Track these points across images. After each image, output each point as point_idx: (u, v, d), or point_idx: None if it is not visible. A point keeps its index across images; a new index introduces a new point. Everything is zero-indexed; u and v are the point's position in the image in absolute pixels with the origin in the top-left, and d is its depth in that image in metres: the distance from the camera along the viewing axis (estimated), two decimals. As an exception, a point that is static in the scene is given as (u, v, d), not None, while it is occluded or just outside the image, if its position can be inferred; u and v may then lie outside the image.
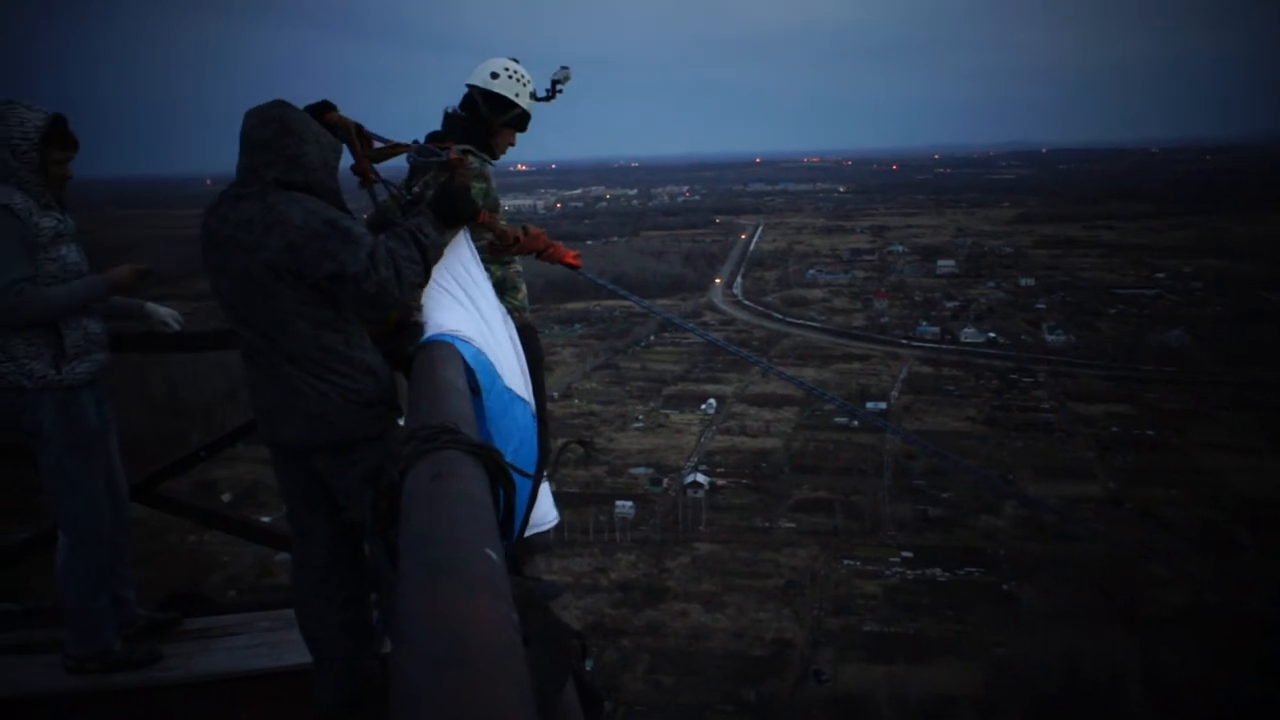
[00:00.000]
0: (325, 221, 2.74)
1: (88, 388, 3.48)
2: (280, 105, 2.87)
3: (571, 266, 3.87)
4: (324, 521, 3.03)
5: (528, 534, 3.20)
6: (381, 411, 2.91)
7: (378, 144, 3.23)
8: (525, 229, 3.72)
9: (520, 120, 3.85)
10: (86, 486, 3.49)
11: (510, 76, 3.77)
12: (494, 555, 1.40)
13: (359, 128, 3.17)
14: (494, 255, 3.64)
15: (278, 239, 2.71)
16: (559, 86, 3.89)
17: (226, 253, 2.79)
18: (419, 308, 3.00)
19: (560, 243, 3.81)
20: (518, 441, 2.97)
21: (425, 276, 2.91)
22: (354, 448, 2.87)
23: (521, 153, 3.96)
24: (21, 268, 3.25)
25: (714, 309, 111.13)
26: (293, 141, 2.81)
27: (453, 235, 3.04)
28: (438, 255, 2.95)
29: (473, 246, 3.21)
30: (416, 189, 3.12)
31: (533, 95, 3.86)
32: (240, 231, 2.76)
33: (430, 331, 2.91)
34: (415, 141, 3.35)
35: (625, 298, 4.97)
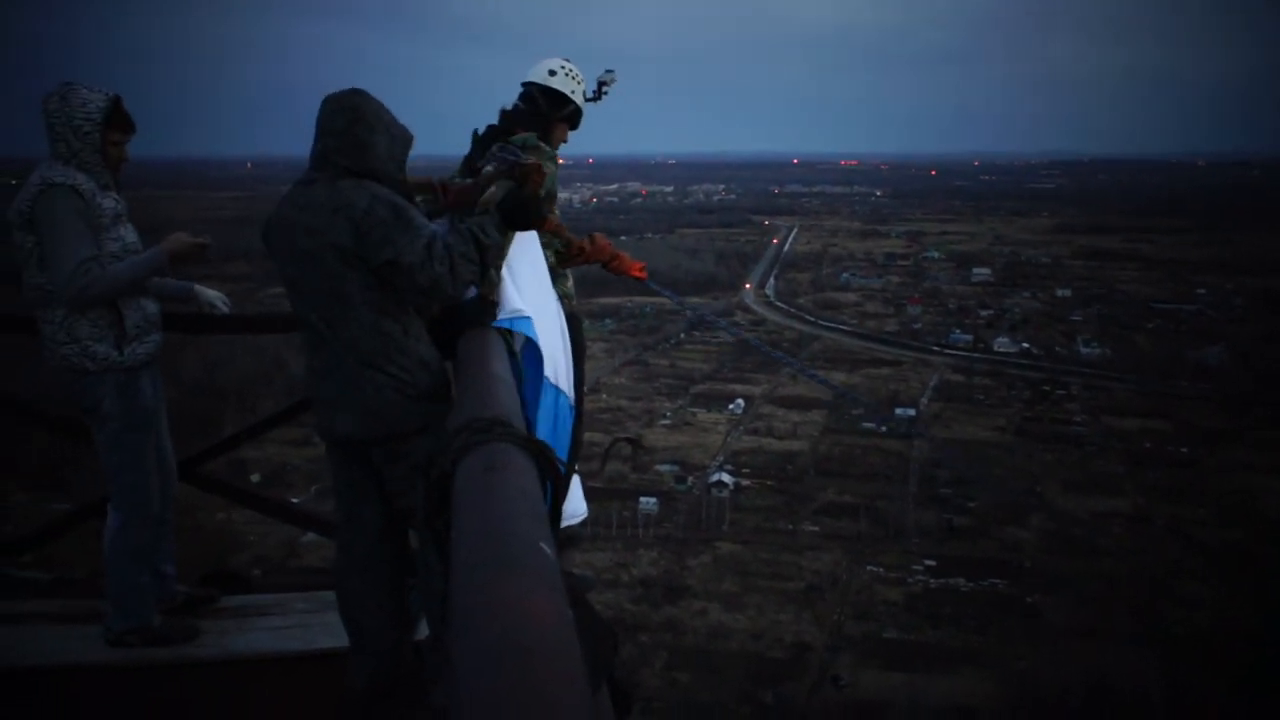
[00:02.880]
0: (390, 207, 2.78)
1: (145, 368, 3.54)
2: (356, 93, 2.90)
3: (638, 279, 3.98)
4: (374, 510, 3.05)
5: (561, 525, 3.23)
6: (434, 405, 2.93)
7: (453, 183, 3.34)
8: (592, 238, 3.81)
9: (575, 116, 3.98)
10: (141, 465, 3.55)
11: (567, 74, 3.90)
12: (548, 550, 1.42)
13: (442, 184, 3.27)
14: (559, 265, 3.71)
15: (344, 222, 2.75)
16: (605, 88, 4.04)
17: (296, 237, 2.83)
18: (496, 285, 3.06)
19: (626, 253, 3.88)
20: (550, 431, 3.01)
21: (480, 277, 2.94)
22: (407, 440, 2.90)
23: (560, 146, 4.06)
24: (89, 248, 3.30)
25: (745, 309, 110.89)
26: (363, 130, 2.85)
27: (512, 239, 3.08)
28: (497, 257, 2.98)
29: (534, 235, 3.26)
30: (489, 168, 3.15)
31: (585, 95, 3.99)
32: (308, 215, 2.80)
33: (502, 314, 2.98)
34: (497, 145, 3.42)
35: (674, 300, 5.09)
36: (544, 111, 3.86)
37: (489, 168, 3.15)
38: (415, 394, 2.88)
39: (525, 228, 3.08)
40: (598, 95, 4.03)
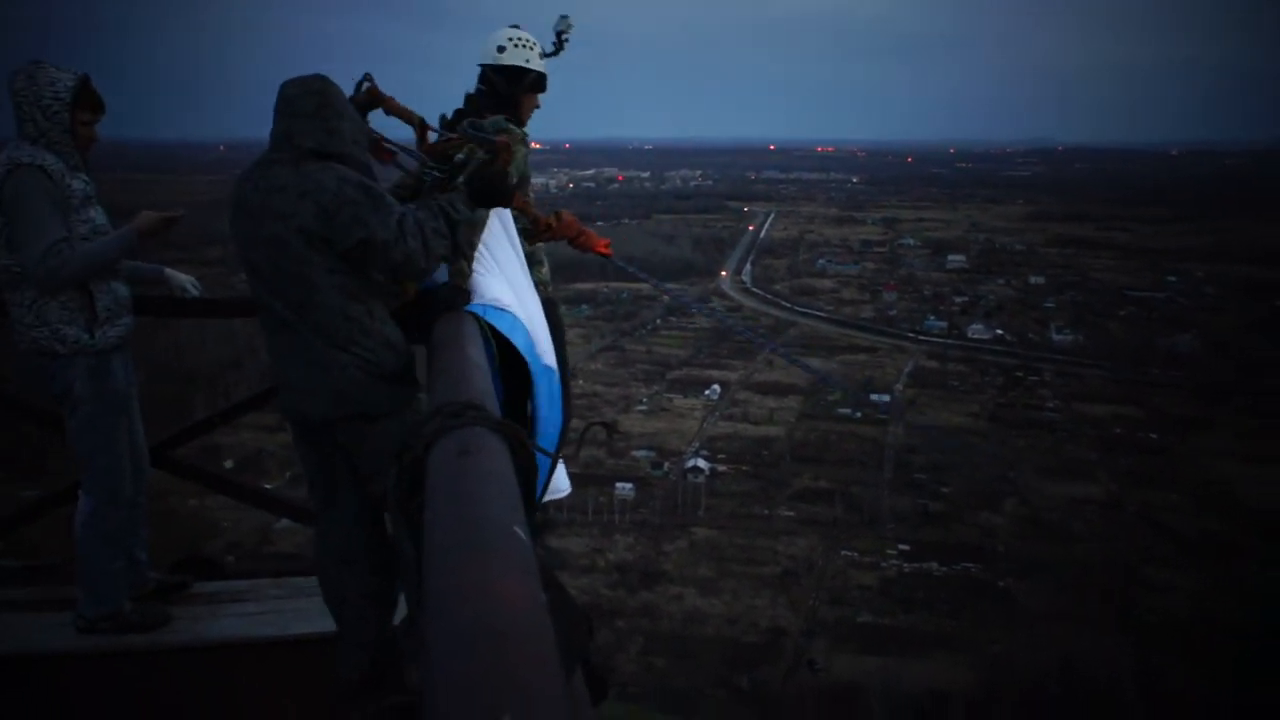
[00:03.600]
0: (359, 187, 2.77)
1: (117, 351, 3.51)
2: (322, 79, 2.91)
3: (603, 255, 3.92)
4: (348, 492, 3.04)
5: (545, 499, 3.25)
6: (400, 386, 2.93)
7: (432, 135, 3.30)
8: (558, 215, 3.74)
9: (539, 83, 3.84)
10: (112, 449, 3.51)
11: (516, 45, 3.76)
12: (521, 533, 1.41)
13: (422, 121, 3.25)
14: (525, 241, 3.67)
15: (311, 205, 2.73)
16: (564, 37, 3.86)
17: (259, 220, 2.80)
18: (468, 274, 3.06)
19: (592, 230, 3.83)
20: (546, 409, 3.06)
21: (452, 251, 2.94)
22: (375, 421, 2.89)
23: (534, 131, 3.96)
24: (59, 229, 3.26)
25: (722, 295, 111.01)
26: (332, 115, 2.85)
27: (484, 215, 3.08)
28: (469, 233, 2.99)
29: (510, 219, 3.26)
30: (461, 156, 3.14)
31: (542, 54, 3.84)
32: (273, 198, 2.77)
33: (475, 300, 2.99)
34: (468, 120, 3.39)
35: (652, 283, 5.02)
36: (504, 91, 3.76)
37: (461, 155, 3.15)
38: (381, 374, 2.87)
39: (493, 204, 3.09)
40: (559, 47, 3.86)
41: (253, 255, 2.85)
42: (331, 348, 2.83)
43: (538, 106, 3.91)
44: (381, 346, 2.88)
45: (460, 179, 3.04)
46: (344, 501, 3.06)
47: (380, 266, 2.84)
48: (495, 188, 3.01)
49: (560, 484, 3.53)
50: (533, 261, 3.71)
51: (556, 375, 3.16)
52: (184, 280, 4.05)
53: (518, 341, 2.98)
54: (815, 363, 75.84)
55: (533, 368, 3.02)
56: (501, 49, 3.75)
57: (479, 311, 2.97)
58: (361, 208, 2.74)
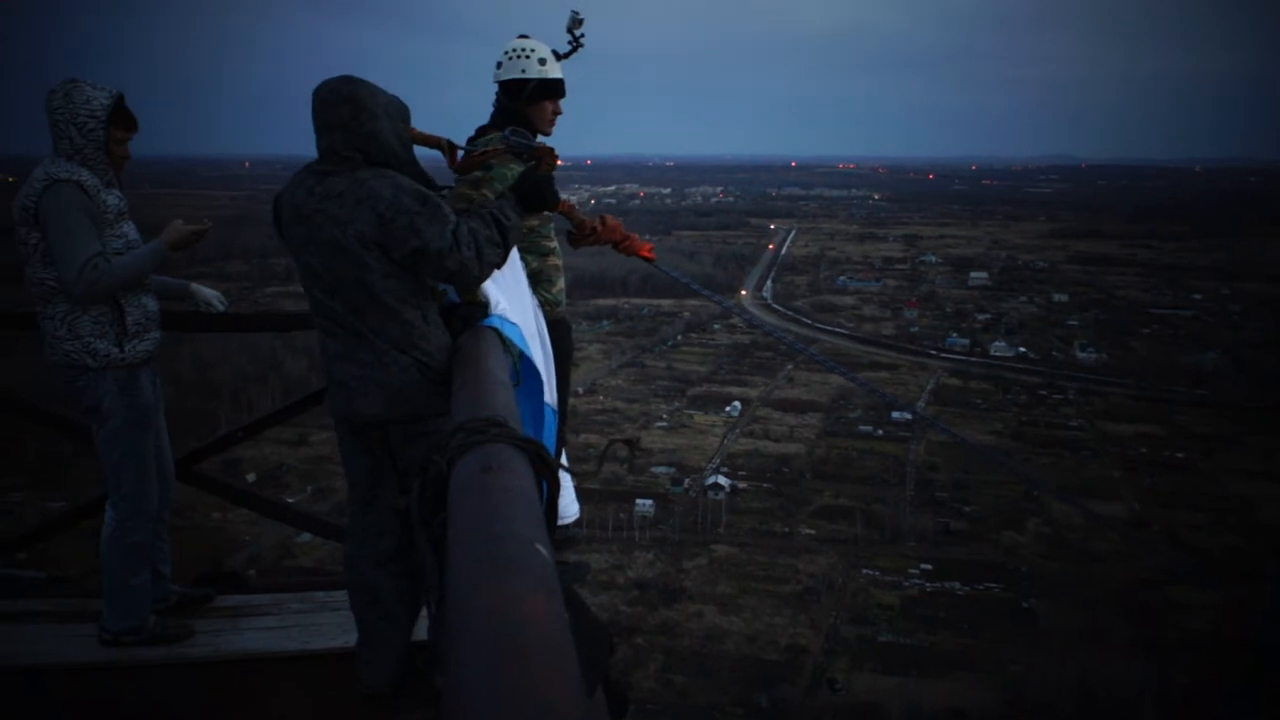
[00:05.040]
0: (415, 195, 2.80)
1: (145, 365, 3.54)
2: (349, 82, 2.90)
3: (647, 259, 3.90)
4: (390, 493, 3.07)
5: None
6: (450, 390, 2.95)
7: (460, 151, 3.31)
8: (603, 219, 3.72)
9: (539, 90, 3.70)
10: (140, 463, 3.54)
11: (510, 57, 3.69)
12: (544, 551, 1.42)
13: (450, 143, 3.23)
14: (571, 244, 3.67)
15: (368, 212, 2.76)
16: (578, 33, 3.73)
17: (315, 225, 2.83)
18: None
19: (636, 235, 3.80)
20: (534, 432, 3.01)
21: (504, 259, 2.96)
22: (425, 422, 2.93)
23: (555, 147, 3.89)
24: (96, 243, 3.31)
25: (743, 312, 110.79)
26: (366, 118, 2.86)
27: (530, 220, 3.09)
28: (517, 239, 3.02)
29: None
30: (495, 160, 3.17)
31: (555, 55, 3.73)
32: (330, 205, 2.81)
33: (493, 313, 3.00)
34: (511, 128, 3.41)
35: (695, 289, 5.03)
36: (509, 105, 3.71)
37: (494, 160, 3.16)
38: (436, 377, 2.91)
39: (541, 209, 3.12)
40: (575, 45, 3.74)
41: (310, 259, 2.89)
42: (392, 349, 2.87)
43: (558, 113, 3.78)
44: (437, 349, 2.93)
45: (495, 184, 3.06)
46: (384, 502, 3.08)
47: (434, 274, 2.88)
48: (543, 193, 3.04)
49: (569, 509, 3.52)
50: (543, 279, 3.69)
51: (549, 400, 3.14)
52: (210, 295, 4.08)
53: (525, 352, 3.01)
54: (836, 380, 75.59)
55: (523, 385, 3.01)
56: (499, 65, 3.71)
57: (496, 324, 2.99)
58: (417, 217, 2.77)
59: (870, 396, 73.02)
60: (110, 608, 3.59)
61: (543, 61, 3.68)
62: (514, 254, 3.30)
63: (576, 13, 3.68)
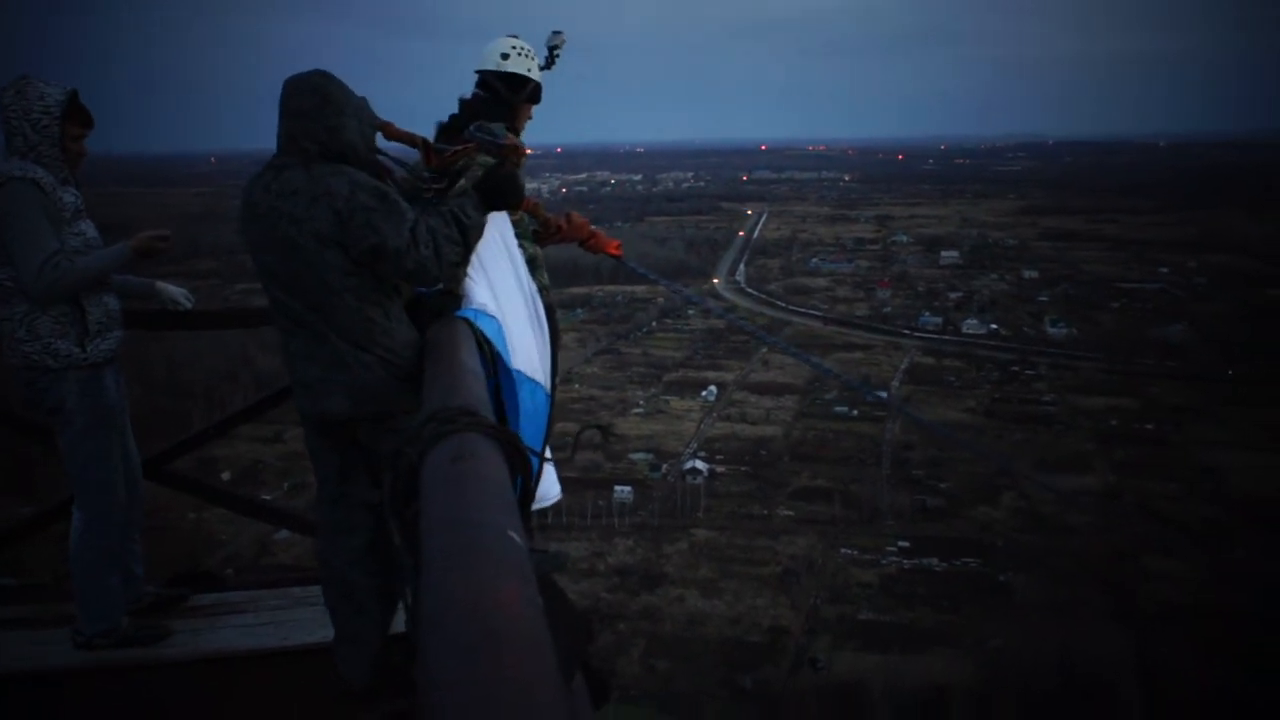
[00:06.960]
0: (372, 193, 2.77)
1: (108, 365, 3.50)
2: (321, 75, 2.87)
3: (614, 256, 3.92)
4: (361, 489, 3.05)
5: (534, 508, 3.23)
6: (419, 385, 2.93)
7: (438, 149, 3.30)
8: (569, 217, 3.75)
9: (536, 93, 3.88)
10: (106, 464, 3.50)
11: (519, 54, 3.80)
12: (517, 538, 1.41)
13: (426, 141, 3.22)
14: (536, 242, 3.69)
15: (325, 209, 2.73)
16: (556, 52, 3.91)
17: (271, 223, 2.80)
18: (461, 280, 3.04)
19: (602, 231, 3.84)
20: (524, 420, 3.00)
21: (465, 257, 2.93)
22: (395, 418, 2.90)
23: (525, 136, 3.98)
24: (54, 241, 3.26)
25: (716, 296, 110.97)
26: (332, 112, 2.83)
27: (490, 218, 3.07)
28: (478, 237, 2.97)
29: (508, 222, 3.25)
30: (461, 164, 3.13)
31: (539, 67, 3.89)
32: (286, 202, 2.77)
33: (465, 306, 2.97)
34: (476, 123, 3.40)
35: (662, 284, 5.07)
36: (505, 97, 3.78)
37: (461, 163, 3.13)
38: (401, 374, 2.89)
39: (505, 207, 3.08)
40: (550, 63, 3.90)
41: (266, 258, 2.85)
42: (354, 348, 2.84)
43: (530, 118, 3.92)
44: (401, 346, 2.91)
45: (462, 182, 3.03)
46: (358, 495, 3.06)
47: (392, 273, 2.85)
48: (507, 190, 3.00)
49: (549, 491, 3.53)
50: (533, 268, 3.71)
51: (543, 389, 3.13)
52: (176, 293, 4.04)
53: (498, 347, 2.98)
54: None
55: (515, 377, 2.99)
56: (505, 56, 3.77)
57: (470, 317, 2.96)
58: (375, 214, 2.74)
59: (846, 377, 73.38)
60: (83, 611, 3.55)
61: (540, 68, 3.84)
62: (510, 240, 3.29)
63: (560, 33, 3.87)
